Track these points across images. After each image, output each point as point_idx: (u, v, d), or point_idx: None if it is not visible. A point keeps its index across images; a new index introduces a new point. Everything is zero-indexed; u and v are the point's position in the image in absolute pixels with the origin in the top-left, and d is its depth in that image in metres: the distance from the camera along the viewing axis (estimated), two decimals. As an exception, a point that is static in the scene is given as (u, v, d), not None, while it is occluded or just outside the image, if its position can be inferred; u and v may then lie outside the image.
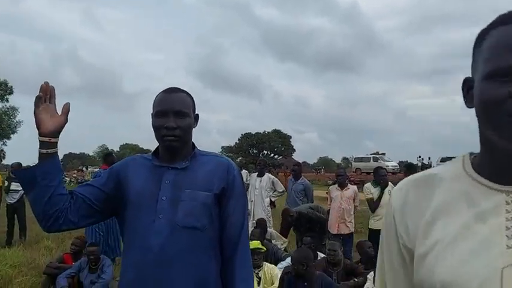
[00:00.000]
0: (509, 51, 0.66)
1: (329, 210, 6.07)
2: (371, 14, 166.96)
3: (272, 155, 56.13)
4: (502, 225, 0.66)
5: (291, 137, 59.04)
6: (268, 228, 5.94)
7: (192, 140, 1.52)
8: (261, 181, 6.69)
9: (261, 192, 6.60)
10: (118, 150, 67.89)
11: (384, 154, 35.91)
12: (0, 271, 5.11)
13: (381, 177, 5.91)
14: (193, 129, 1.51)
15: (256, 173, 6.95)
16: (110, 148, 64.43)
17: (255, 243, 4.11)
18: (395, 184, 6.38)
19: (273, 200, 6.90)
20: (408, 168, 6.89)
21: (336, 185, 6.24)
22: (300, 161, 11.14)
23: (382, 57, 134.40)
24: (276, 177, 7.77)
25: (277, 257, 4.97)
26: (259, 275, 4.15)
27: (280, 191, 6.83)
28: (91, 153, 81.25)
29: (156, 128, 1.44)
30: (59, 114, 1.40)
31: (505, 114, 0.65)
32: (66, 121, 1.41)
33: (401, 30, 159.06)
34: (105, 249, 5.27)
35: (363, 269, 4.51)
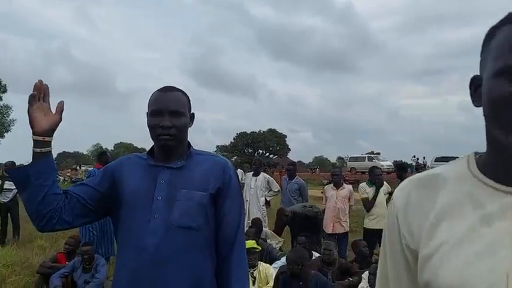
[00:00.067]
0: None
1: (324, 209, 6.08)
2: (366, 14, 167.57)
3: (267, 154, 56.17)
4: (508, 229, 0.65)
5: (286, 137, 59.21)
6: (263, 228, 5.94)
7: (187, 139, 1.51)
8: (256, 180, 6.69)
9: (256, 192, 6.60)
10: (112, 149, 67.71)
11: (378, 154, 36.04)
12: (-7, 270, 5.08)
13: (376, 177, 5.93)
14: (189, 128, 1.50)
15: (252, 173, 6.95)
16: (104, 147, 64.33)
17: (250, 243, 4.10)
18: (390, 183, 6.43)
19: (268, 199, 6.90)
20: (399, 168, 6.91)
21: (331, 185, 6.25)
22: (295, 161, 11.17)
23: (377, 57, 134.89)
24: (271, 176, 7.76)
25: (272, 257, 4.97)
26: (254, 275, 4.15)
27: (276, 190, 6.84)
28: (85, 152, 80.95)
29: (152, 127, 1.43)
30: (53, 112, 1.39)
31: None
32: (60, 120, 1.40)
33: (395, 30, 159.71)
34: (99, 248, 5.24)
35: (357, 268, 4.53)
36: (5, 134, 34.60)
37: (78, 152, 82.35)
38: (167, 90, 1.47)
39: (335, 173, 6.36)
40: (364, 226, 5.97)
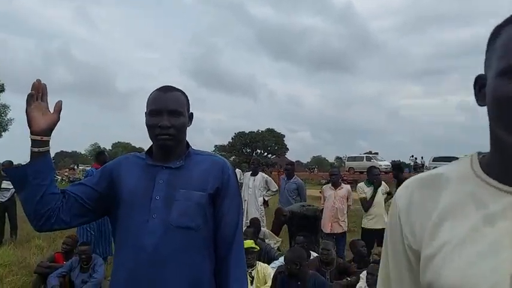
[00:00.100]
0: None
1: (322, 209, 6.08)
2: (365, 14, 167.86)
3: (265, 154, 56.15)
4: (511, 229, 0.64)
5: (284, 136, 59.17)
6: (261, 228, 5.94)
7: (186, 139, 1.51)
8: (254, 180, 6.69)
9: (254, 192, 6.60)
10: (110, 148, 67.65)
11: (377, 153, 36.13)
12: (-9, 270, 5.07)
13: (374, 177, 5.94)
14: (188, 128, 1.50)
15: (250, 172, 6.95)
16: (102, 146, 64.16)
17: (248, 243, 4.10)
18: (388, 183, 6.43)
19: (266, 199, 6.90)
20: (394, 168, 6.92)
21: (330, 184, 6.25)
22: (294, 160, 11.17)
23: (377, 57, 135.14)
24: (270, 176, 7.76)
25: (270, 256, 4.98)
26: (253, 275, 4.15)
27: (274, 190, 6.84)
28: (83, 152, 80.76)
29: (150, 127, 1.43)
30: (51, 112, 1.39)
31: None
32: (58, 119, 1.39)
33: (395, 30, 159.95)
34: (96, 248, 5.23)
35: (355, 268, 4.53)
36: (3, 134, 34.53)
37: (76, 151, 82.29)
38: (166, 90, 1.46)
39: (333, 172, 6.37)
40: (362, 226, 5.98)
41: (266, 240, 5.70)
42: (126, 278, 1.36)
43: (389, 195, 6.26)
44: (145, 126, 1.45)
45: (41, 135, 1.35)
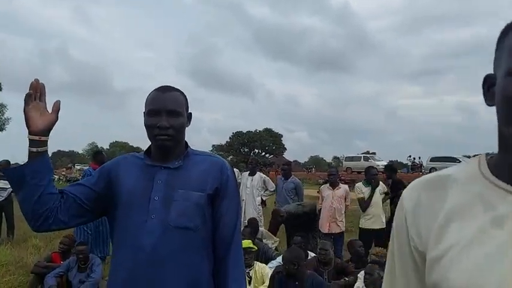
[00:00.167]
0: None
1: (320, 209, 6.09)
2: (363, 14, 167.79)
3: (263, 153, 56.19)
4: None
5: (282, 136, 59.27)
6: (259, 228, 5.94)
7: (185, 139, 1.51)
8: (252, 180, 6.69)
9: (252, 191, 6.60)
10: (108, 148, 67.46)
11: (374, 153, 36.22)
12: (-13, 270, 5.05)
13: (372, 177, 5.95)
14: (186, 128, 1.50)
15: (248, 172, 6.95)
16: (99, 146, 64.02)
17: (246, 243, 4.10)
18: (385, 183, 6.45)
19: (264, 199, 6.90)
20: (387, 169, 6.93)
21: (328, 184, 6.26)
22: (291, 160, 11.17)
23: (374, 57, 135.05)
24: (267, 176, 7.76)
25: (268, 256, 4.98)
26: (250, 274, 4.15)
27: (272, 190, 6.84)
28: (80, 151, 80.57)
29: (149, 127, 1.42)
30: (49, 112, 1.38)
31: None
32: (56, 119, 1.39)
33: (393, 30, 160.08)
34: (94, 248, 5.22)
35: (353, 268, 4.53)
36: (0, 133, 34.40)
37: (73, 151, 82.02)
38: (165, 90, 1.46)
39: (331, 172, 6.37)
40: (360, 226, 5.99)
41: (264, 240, 5.69)
42: (125, 278, 1.36)
43: (387, 195, 6.28)
44: (144, 126, 1.44)
45: (39, 135, 1.34)
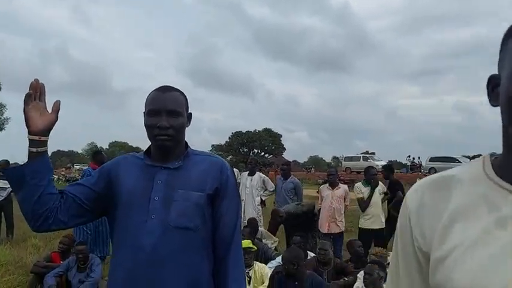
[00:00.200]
0: None
1: (319, 209, 6.09)
2: (363, 14, 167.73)
3: (262, 153, 56.17)
4: None
5: (281, 136, 59.25)
6: (259, 228, 5.94)
7: (184, 139, 1.51)
8: (251, 180, 6.70)
9: (251, 191, 6.60)
10: (107, 148, 67.39)
11: (373, 153, 36.18)
12: (-13, 270, 5.04)
13: (372, 177, 5.96)
14: (186, 128, 1.50)
15: (247, 172, 6.96)
16: (99, 146, 63.96)
17: (245, 243, 4.10)
18: (384, 183, 6.45)
19: (263, 199, 6.90)
20: (385, 169, 6.94)
21: (327, 184, 6.26)
22: (290, 160, 11.16)
23: (374, 57, 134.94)
24: (267, 176, 7.76)
25: (268, 256, 4.98)
26: (250, 274, 4.15)
27: (271, 190, 6.84)
28: (80, 151, 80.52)
29: (149, 127, 1.42)
30: (49, 112, 1.38)
31: None
32: (56, 119, 1.39)
33: (393, 30, 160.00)
34: (93, 248, 5.22)
35: (352, 268, 4.54)
36: (-1, 133, 34.38)
37: (73, 150, 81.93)
38: (165, 90, 1.46)
39: (331, 172, 6.37)
40: (359, 226, 6.00)
41: (263, 240, 5.70)
42: (124, 278, 1.36)
43: (386, 195, 6.28)
44: (144, 126, 1.44)
45: (38, 135, 1.34)
